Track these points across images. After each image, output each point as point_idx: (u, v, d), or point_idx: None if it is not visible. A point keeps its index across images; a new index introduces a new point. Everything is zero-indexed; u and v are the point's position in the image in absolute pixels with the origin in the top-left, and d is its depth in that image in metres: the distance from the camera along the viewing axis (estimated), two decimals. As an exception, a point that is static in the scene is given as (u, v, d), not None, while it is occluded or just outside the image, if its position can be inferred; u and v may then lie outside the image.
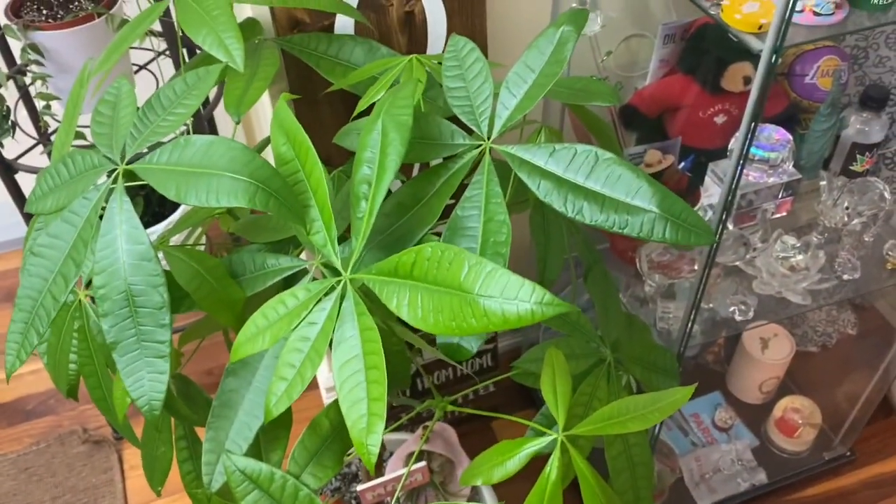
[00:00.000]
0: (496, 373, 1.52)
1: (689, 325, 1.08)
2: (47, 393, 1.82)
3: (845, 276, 1.23)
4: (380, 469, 1.24)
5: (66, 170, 0.75)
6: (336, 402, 0.84)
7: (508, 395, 1.68)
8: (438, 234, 0.76)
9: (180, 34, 0.85)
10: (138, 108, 0.75)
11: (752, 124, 0.89)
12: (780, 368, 1.58)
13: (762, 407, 1.64)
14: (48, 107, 1.32)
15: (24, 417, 1.78)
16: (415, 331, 0.80)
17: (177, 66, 1.26)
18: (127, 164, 0.71)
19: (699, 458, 1.56)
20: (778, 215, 1.23)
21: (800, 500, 1.57)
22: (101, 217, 0.71)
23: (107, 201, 0.72)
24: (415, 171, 1.24)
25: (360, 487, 1.02)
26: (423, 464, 1.03)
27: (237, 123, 0.87)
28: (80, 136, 1.38)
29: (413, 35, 1.12)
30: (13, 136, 1.36)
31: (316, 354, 0.65)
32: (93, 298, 0.86)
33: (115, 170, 0.72)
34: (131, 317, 0.70)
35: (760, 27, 0.84)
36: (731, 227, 1.19)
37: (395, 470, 1.10)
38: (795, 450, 1.58)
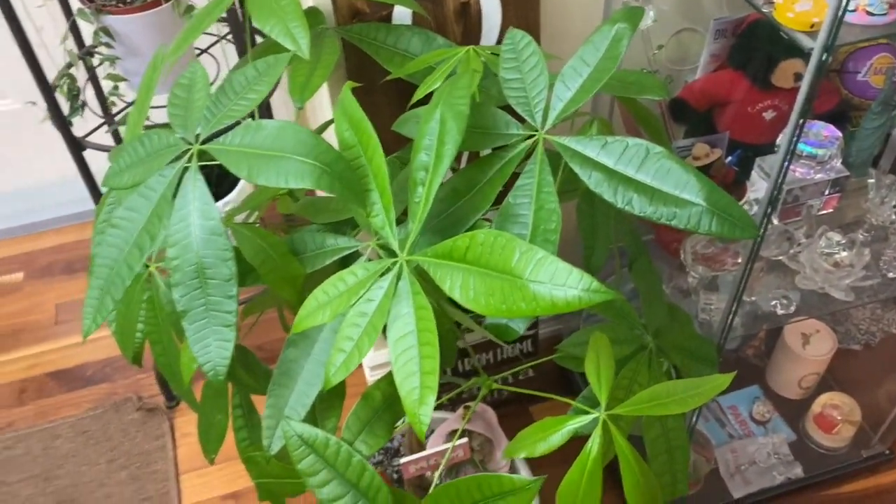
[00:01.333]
0: (536, 357, 1.55)
1: (731, 317, 1.10)
2: (104, 361, 1.90)
3: (890, 275, 1.23)
4: (421, 445, 1.28)
5: (143, 148, 0.80)
6: (387, 375, 0.88)
7: (546, 382, 1.71)
8: (489, 220, 0.79)
9: (248, 22, 0.89)
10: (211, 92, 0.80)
11: (801, 120, 0.90)
12: (821, 364, 1.59)
13: (801, 402, 1.64)
14: (116, 88, 1.38)
15: (82, 384, 1.86)
16: (464, 311, 0.83)
17: (240, 51, 1.30)
18: (201, 144, 0.76)
19: (735, 449, 1.57)
20: (824, 212, 1.24)
21: (836, 496, 1.57)
22: (174, 193, 0.76)
23: (180, 179, 0.77)
24: (463, 161, 1.28)
25: (403, 460, 1.07)
26: (465, 440, 1.07)
27: (300, 109, 0.91)
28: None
29: (467, 26, 1.15)
30: (82, 115, 1.43)
31: (373, 329, 0.69)
32: (162, 271, 0.92)
33: (189, 149, 0.76)
34: (201, 287, 0.75)
35: (812, 26, 0.85)
36: (775, 221, 1.21)
37: (435, 446, 1.14)
38: (833, 446, 1.59)
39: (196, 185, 0.75)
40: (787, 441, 1.59)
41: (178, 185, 0.76)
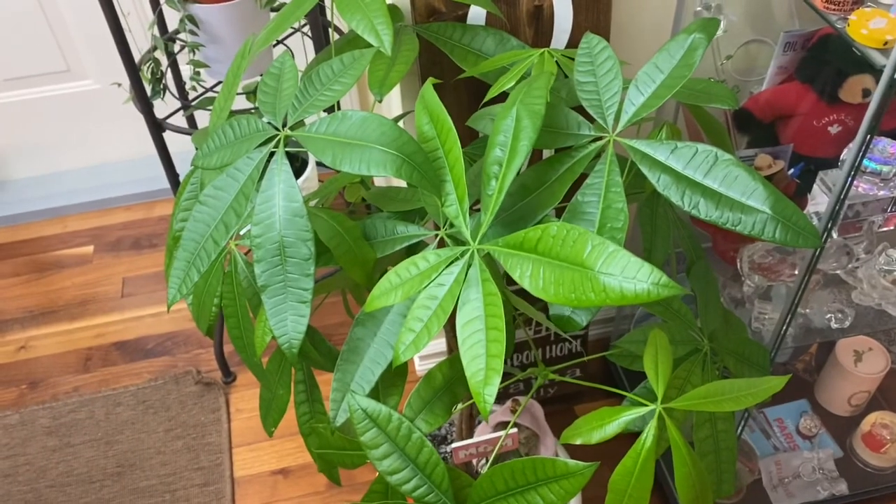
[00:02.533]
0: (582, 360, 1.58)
1: (785, 327, 1.11)
2: (166, 335, 1.98)
3: (950, 296, 1.23)
4: (470, 435, 1.32)
5: (233, 132, 0.85)
6: (449, 358, 0.92)
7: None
8: (557, 217, 0.83)
9: (333, 14, 0.94)
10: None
11: (868, 136, 0.92)
12: (873, 383, 1.58)
13: (849, 419, 1.64)
14: (198, 73, 1.44)
15: (143, 356, 1.95)
16: (531, 302, 0.87)
17: (318, 44, 1.36)
18: (288, 130, 0.81)
19: (779, 462, 1.57)
20: (885, 229, 1.24)
21: (880, 515, 1.57)
22: (261, 176, 0.81)
23: (267, 162, 0.81)
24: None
25: (453, 445, 1.10)
26: (515, 430, 1.10)
27: (379, 102, 0.95)
28: (209, 102, 1.50)
29: (539, 28, 1.18)
30: (163, 98, 1.50)
31: (442, 312, 0.73)
32: (242, 248, 0.97)
33: (276, 135, 0.81)
34: (281, 265, 0.80)
35: (886, 43, 0.87)
36: (835, 235, 1.21)
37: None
38: (881, 465, 1.58)
39: (282, 169, 0.80)
40: (833, 457, 1.59)
41: (265, 168, 0.81)
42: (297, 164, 1.67)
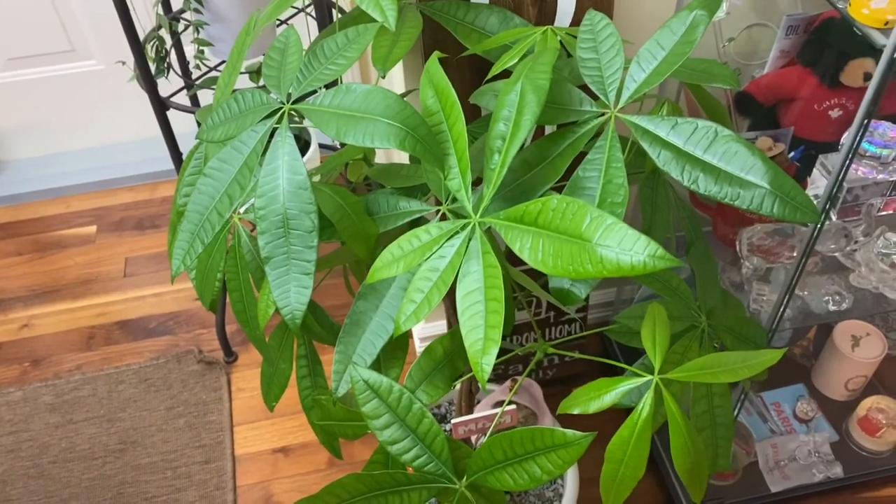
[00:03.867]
0: (584, 339, 1.59)
1: (783, 308, 1.12)
2: (168, 315, 2.00)
3: (948, 280, 1.24)
4: (470, 411, 1.33)
5: (238, 105, 0.86)
6: (450, 333, 0.93)
7: (589, 365, 1.75)
8: (558, 192, 0.83)
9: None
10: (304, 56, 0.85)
11: (866, 119, 0.92)
12: (869, 368, 1.59)
13: (846, 404, 1.65)
14: (202, 52, 1.45)
15: (146, 335, 1.96)
16: (534, 278, 0.88)
17: (321, 24, 1.36)
18: (293, 104, 0.82)
19: (776, 444, 1.59)
20: (884, 212, 1.25)
21: (875, 498, 1.58)
22: (265, 149, 0.82)
23: (271, 136, 0.82)
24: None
25: (454, 421, 1.12)
26: (513, 407, 1.12)
27: (383, 77, 0.96)
28: (213, 81, 1.51)
29: (542, 8, 1.19)
30: (167, 77, 1.51)
31: (443, 283, 0.74)
32: (245, 222, 0.98)
33: (281, 108, 0.82)
34: (284, 237, 0.80)
35: (887, 23, 0.87)
36: (833, 218, 1.22)
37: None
38: (876, 449, 1.59)
39: (286, 142, 0.81)
40: (829, 441, 1.60)
41: (269, 141, 0.82)
42: (300, 145, 1.67)
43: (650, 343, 0.77)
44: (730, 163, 0.73)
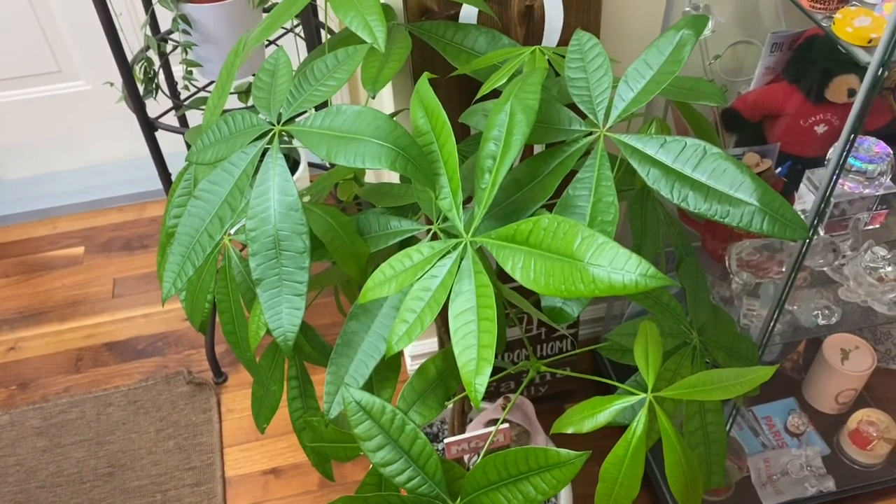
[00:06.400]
0: (575, 356, 1.59)
1: (773, 323, 1.13)
2: (157, 336, 1.98)
3: (935, 293, 1.25)
4: (462, 431, 1.33)
5: (228, 127, 0.86)
6: (442, 352, 0.93)
7: (581, 382, 1.75)
8: (548, 210, 0.84)
9: (326, 14, 0.95)
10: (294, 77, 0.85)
11: (852, 135, 0.93)
12: (859, 381, 1.60)
13: (836, 417, 1.66)
14: (190, 73, 1.45)
15: (135, 356, 1.94)
16: (525, 296, 0.88)
17: (310, 44, 1.37)
18: (282, 125, 0.82)
19: (768, 459, 1.59)
20: (871, 226, 1.26)
21: (867, 512, 1.58)
22: (255, 170, 0.82)
23: (262, 158, 0.82)
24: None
25: (446, 440, 1.11)
26: (506, 425, 1.11)
27: (372, 98, 0.96)
28: (202, 101, 1.51)
29: (530, 28, 1.20)
30: (155, 98, 1.51)
31: (435, 303, 0.74)
32: (235, 243, 0.97)
33: (271, 130, 0.82)
34: (276, 258, 0.80)
35: (870, 41, 0.88)
36: (821, 233, 1.23)
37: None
38: (868, 462, 1.59)
39: (277, 163, 0.81)
40: (820, 454, 1.60)
41: (259, 163, 0.82)
42: (289, 165, 1.67)
43: (643, 361, 0.77)
44: (719, 180, 0.73)
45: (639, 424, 0.74)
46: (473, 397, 0.70)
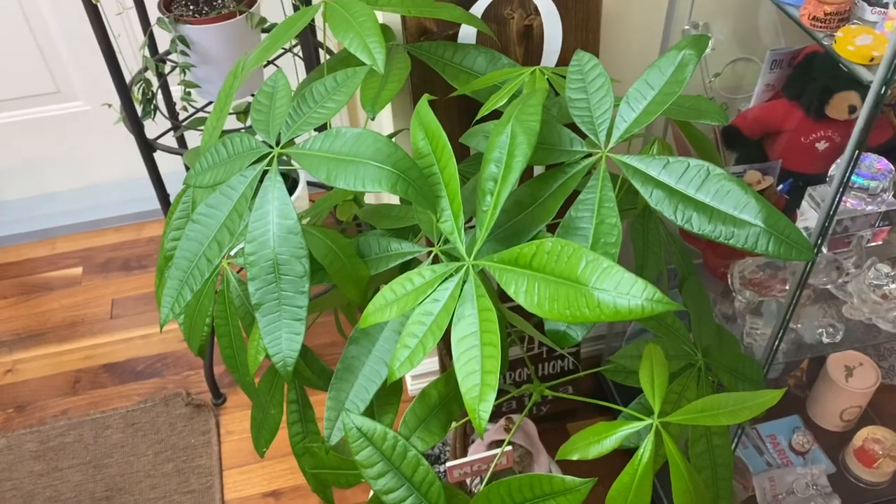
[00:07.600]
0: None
1: (777, 342, 1.12)
2: (156, 357, 1.97)
3: (939, 309, 1.24)
4: (464, 454, 1.31)
5: (226, 150, 0.85)
6: (444, 377, 0.92)
7: (583, 403, 1.73)
8: (550, 233, 0.83)
9: (325, 34, 0.94)
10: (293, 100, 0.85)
11: (856, 152, 0.93)
12: (864, 398, 1.58)
13: (841, 435, 1.64)
14: (189, 94, 1.44)
15: (133, 377, 1.93)
16: (526, 317, 0.87)
17: (309, 65, 1.36)
18: (281, 148, 0.81)
19: (773, 478, 1.57)
20: (874, 243, 1.25)
21: (874, 531, 1.57)
22: (254, 193, 0.81)
23: (260, 180, 0.81)
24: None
25: (449, 464, 1.10)
26: (510, 448, 1.10)
27: (372, 119, 0.96)
28: (200, 122, 1.50)
29: (529, 47, 1.19)
30: (154, 119, 1.50)
31: (437, 328, 0.73)
32: (234, 267, 0.96)
33: (270, 153, 0.81)
34: (275, 282, 0.79)
35: (872, 59, 0.88)
36: (825, 250, 1.22)
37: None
38: (873, 480, 1.58)
39: (276, 186, 0.80)
40: (826, 473, 1.58)
41: (258, 186, 0.81)
42: (288, 184, 1.67)
43: (648, 385, 0.76)
44: (723, 201, 0.73)
45: (645, 451, 0.72)
46: (477, 424, 0.68)
